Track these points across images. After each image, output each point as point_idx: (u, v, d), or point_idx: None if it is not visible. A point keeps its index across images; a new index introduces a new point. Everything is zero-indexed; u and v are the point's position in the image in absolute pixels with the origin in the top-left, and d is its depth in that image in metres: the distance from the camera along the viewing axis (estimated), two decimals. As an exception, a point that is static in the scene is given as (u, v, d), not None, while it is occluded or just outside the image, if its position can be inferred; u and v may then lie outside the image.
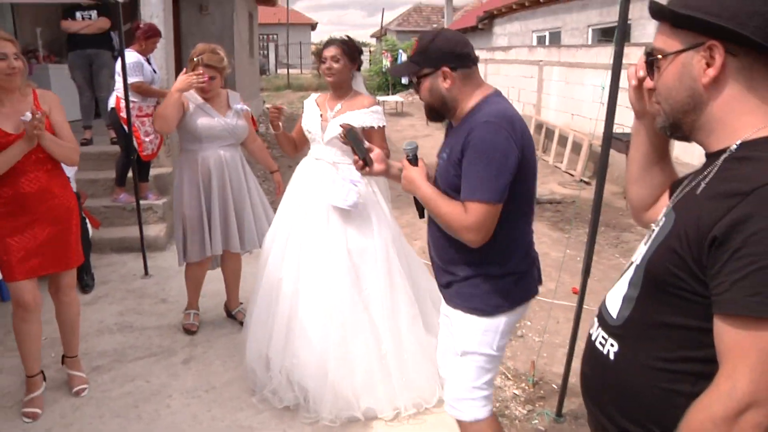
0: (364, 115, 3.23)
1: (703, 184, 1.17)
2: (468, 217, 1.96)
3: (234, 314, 4.28)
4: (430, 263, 2.41)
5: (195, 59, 3.64)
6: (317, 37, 63.67)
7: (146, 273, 5.19)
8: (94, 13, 6.76)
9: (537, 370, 3.62)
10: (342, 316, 3.16)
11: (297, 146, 3.55)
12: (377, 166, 2.31)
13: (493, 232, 2.02)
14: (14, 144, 2.90)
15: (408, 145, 2.20)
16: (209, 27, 11.47)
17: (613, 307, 1.34)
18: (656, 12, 1.26)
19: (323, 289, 3.19)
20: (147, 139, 5.88)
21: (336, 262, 3.19)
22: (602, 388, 1.35)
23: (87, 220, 4.98)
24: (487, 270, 2.12)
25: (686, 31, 1.19)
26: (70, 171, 4.83)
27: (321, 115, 3.31)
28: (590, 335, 1.41)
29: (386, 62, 23.41)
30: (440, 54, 2.08)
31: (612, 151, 8.05)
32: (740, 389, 1.02)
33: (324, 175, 3.28)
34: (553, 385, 3.50)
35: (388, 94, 21.52)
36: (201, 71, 3.60)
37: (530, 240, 2.23)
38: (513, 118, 2.01)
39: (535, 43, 15.05)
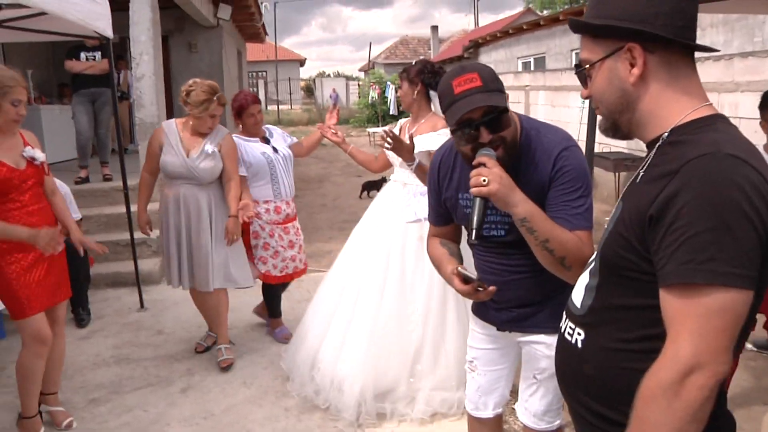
0: (431, 138, 3.33)
1: (642, 172, 1.26)
2: (587, 248, 1.77)
3: (216, 350, 4.11)
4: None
5: (215, 98, 3.69)
6: (306, 72, 64.40)
7: (142, 306, 5.19)
8: (98, 54, 6.89)
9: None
10: (385, 333, 3.35)
11: (382, 165, 3.82)
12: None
13: None
14: (21, 229, 2.94)
15: (487, 150, 1.81)
16: (198, 64, 11.63)
17: (578, 298, 1.41)
18: (576, 27, 1.36)
19: (375, 304, 3.40)
20: (281, 257, 4.24)
21: (390, 279, 3.40)
22: (573, 376, 1.40)
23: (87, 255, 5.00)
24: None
25: (606, 40, 1.29)
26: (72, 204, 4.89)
27: None
28: (560, 328, 1.47)
29: (374, 94, 23.69)
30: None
31: (600, 171, 8.16)
32: (683, 354, 1.08)
33: (393, 196, 3.53)
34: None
35: (377, 126, 21.73)
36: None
37: None
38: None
39: (520, 69, 15.29)
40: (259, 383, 3.81)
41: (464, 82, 1.82)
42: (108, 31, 4.99)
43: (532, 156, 1.90)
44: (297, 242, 4.33)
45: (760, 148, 3.11)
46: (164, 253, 4.03)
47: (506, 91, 1.90)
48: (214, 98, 3.69)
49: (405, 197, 3.46)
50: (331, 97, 35.71)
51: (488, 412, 2.33)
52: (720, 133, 1.19)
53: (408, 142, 3.08)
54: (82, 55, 6.92)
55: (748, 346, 3.98)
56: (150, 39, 6.74)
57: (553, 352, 2.00)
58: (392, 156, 3.44)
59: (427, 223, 2.37)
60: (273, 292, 4.45)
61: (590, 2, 1.34)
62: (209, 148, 3.80)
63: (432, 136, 3.32)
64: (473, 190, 1.73)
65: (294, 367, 3.69)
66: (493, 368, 2.29)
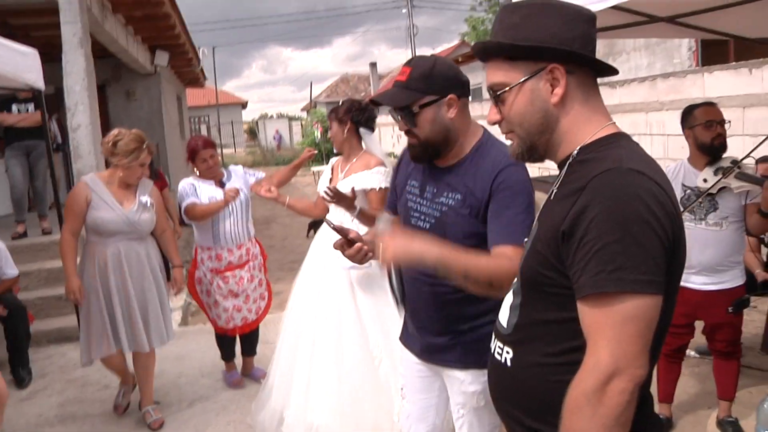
0: (365, 176, 3.29)
1: (555, 190, 1.32)
2: (513, 263, 1.69)
3: (143, 413, 3.89)
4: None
5: (144, 146, 3.56)
6: (248, 115, 64.33)
7: (87, 361, 5.01)
8: (31, 106, 6.71)
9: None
10: (352, 378, 3.24)
11: (321, 210, 3.61)
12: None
13: None
14: None
15: (383, 221, 1.94)
16: (138, 112, 11.53)
17: (504, 318, 1.45)
18: (490, 50, 1.38)
19: (336, 350, 3.28)
20: (222, 307, 4.10)
21: (346, 323, 3.29)
22: (505, 393, 1.43)
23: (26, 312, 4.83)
24: (491, 318, 1.77)
25: (524, 61, 1.32)
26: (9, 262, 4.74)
27: (331, 179, 3.42)
28: (490, 348, 1.50)
29: (317, 134, 23.81)
30: (445, 80, 1.92)
31: (541, 194, 8.40)
32: (602, 362, 1.12)
33: (333, 237, 3.39)
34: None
35: (322, 164, 21.78)
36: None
37: None
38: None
39: (459, 101, 15.62)
40: (211, 431, 3.72)
41: (400, 74, 1.93)
42: (39, 83, 4.92)
43: (479, 165, 1.97)
44: (243, 292, 4.11)
45: (686, 162, 3.27)
46: (102, 320, 3.65)
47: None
48: (144, 146, 3.57)
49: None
50: (274, 138, 35.77)
51: None
52: (623, 149, 1.26)
53: (350, 194, 3.07)
54: (14, 107, 6.77)
55: (690, 353, 4.11)
56: (85, 89, 6.65)
57: (467, 388, 2.05)
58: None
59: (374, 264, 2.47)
60: (221, 338, 4.36)
61: (502, 27, 1.35)
62: (145, 199, 3.70)
63: (366, 174, 3.30)
64: (380, 264, 1.85)
65: (259, 423, 3.54)
66: (421, 396, 2.28)
